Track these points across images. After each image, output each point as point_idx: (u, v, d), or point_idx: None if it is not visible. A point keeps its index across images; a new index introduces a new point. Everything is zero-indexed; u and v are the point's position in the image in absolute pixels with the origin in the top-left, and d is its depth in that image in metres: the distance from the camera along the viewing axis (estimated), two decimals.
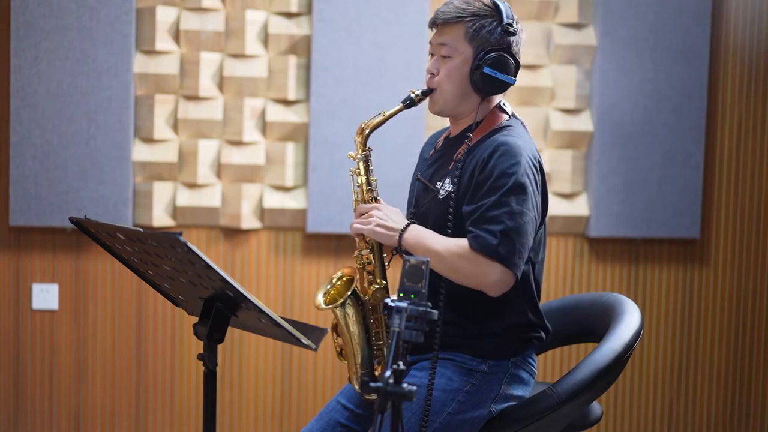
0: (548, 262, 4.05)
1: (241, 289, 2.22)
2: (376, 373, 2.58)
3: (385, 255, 2.60)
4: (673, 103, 4.03)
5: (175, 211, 3.89)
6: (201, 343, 2.36)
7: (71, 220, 2.39)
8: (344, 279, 2.60)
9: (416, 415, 2.48)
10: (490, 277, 2.40)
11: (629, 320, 2.65)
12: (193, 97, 3.88)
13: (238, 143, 3.90)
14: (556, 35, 4.00)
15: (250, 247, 3.96)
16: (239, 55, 3.88)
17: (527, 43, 3.97)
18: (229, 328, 2.39)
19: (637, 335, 2.62)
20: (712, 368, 4.19)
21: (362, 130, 2.56)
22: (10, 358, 3.89)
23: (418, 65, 3.83)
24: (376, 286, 2.56)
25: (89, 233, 2.43)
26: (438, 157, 2.64)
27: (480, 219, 2.41)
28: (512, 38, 2.53)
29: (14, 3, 3.75)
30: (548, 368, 4.09)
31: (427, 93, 2.56)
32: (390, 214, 2.51)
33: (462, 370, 2.52)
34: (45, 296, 3.88)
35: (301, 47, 3.91)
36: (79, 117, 3.80)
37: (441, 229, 2.48)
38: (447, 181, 2.53)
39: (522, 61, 3.91)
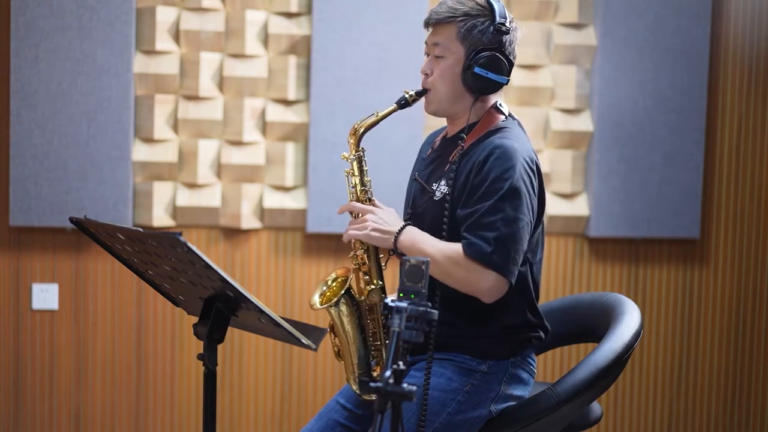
0: (548, 262, 4.05)
1: (241, 289, 2.22)
2: (374, 374, 2.58)
3: (381, 255, 2.60)
4: (673, 103, 4.03)
5: (175, 211, 3.89)
6: (201, 343, 2.36)
7: (71, 220, 2.39)
8: (339, 280, 2.60)
9: (416, 415, 2.48)
10: (484, 284, 2.40)
11: (629, 320, 2.65)
12: (193, 97, 3.88)
13: (238, 143, 3.90)
14: (556, 35, 4.00)
15: (250, 247, 3.96)
16: (239, 55, 3.88)
17: (527, 43, 3.99)
18: (229, 328, 2.39)
19: (637, 335, 2.62)
20: (712, 368, 4.19)
21: (355, 131, 2.56)
22: (10, 358, 3.89)
23: (418, 65, 3.78)
24: (372, 287, 2.56)
25: (89, 233, 2.43)
26: (435, 158, 2.64)
27: (475, 225, 2.41)
28: (505, 37, 2.53)
29: (14, 3, 3.75)
30: (548, 368, 4.09)
31: (421, 93, 2.56)
32: (385, 217, 2.51)
33: (462, 371, 2.52)
34: (45, 296, 3.88)
35: (301, 47, 3.91)
36: (79, 117, 3.80)
37: (436, 232, 2.48)
38: (442, 182, 2.53)
39: (522, 61, 3.98)
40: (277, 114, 3.91)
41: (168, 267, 2.33)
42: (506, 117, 2.59)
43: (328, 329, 2.57)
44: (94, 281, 3.90)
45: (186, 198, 3.89)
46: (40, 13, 3.75)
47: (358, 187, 2.56)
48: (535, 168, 2.50)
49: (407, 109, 2.58)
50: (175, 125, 3.89)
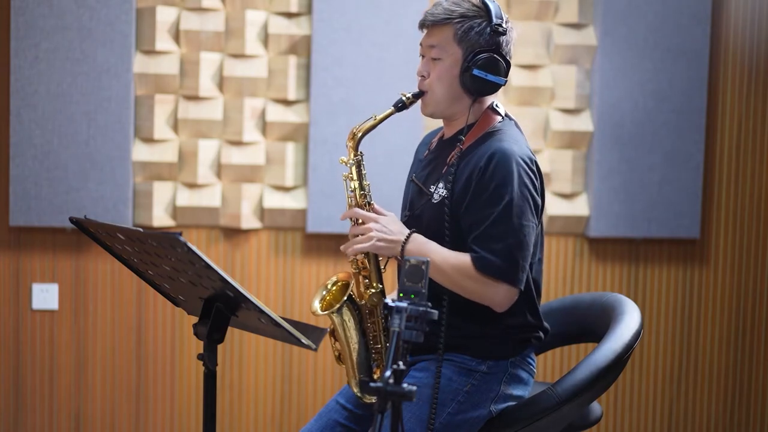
0: (548, 262, 4.05)
1: (241, 289, 2.22)
2: (375, 377, 2.58)
3: (380, 258, 2.59)
4: (673, 103, 4.03)
5: (175, 211, 3.89)
6: (201, 343, 2.36)
7: (71, 220, 2.39)
8: (339, 284, 2.60)
9: (415, 415, 2.48)
10: (497, 297, 2.44)
11: (629, 320, 2.65)
12: (193, 97, 3.88)
13: (238, 143, 3.90)
14: (556, 35, 4.00)
15: (250, 247, 3.96)
16: (239, 55, 3.88)
17: (527, 43, 3.99)
18: (229, 328, 2.39)
19: (637, 335, 2.62)
20: (712, 368, 4.19)
21: (354, 135, 2.55)
22: (10, 358, 3.89)
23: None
24: (372, 291, 2.56)
25: (89, 233, 2.43)
26: (432, 159, 2.63)
27: (482, 237, 2.42)
28: (502, 38, 2.52)
29: (14, 3, 3.75)
30: (548, 368, 4.09)
31: (418, 95, 2.55)
32: (388, 225, 2.49)
33: (461, 371, 2.53)
34: (45, 296, 3.88)
35: (301, 47, 3.91)
36: (79, 117, 3.80)
37: (435, 234, 2.49)
38: (441, 185, 2.53)
39: (522, 61, 3.98)
40: (277, 114, 3.91)
41: (168, 267, 2.33)
42: (503, 117, 2.59)
43: (328, 329, 2.57)
44: (94, 281, 3.90)
45: (186, 198, 3.89)
46: (40, 13, 3.75)
47: (357, 192, 2.55)
48: (534, 167, 2.51)
49: (400, 111, 2.57)
50: (175, 125, 3.89)
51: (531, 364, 2.61)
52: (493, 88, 2.53)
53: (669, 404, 4.19)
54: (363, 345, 2.57)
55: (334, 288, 2.60)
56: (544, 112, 4.02)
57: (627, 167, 4.02)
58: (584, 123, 4.03)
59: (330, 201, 3.87)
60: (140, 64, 3.85)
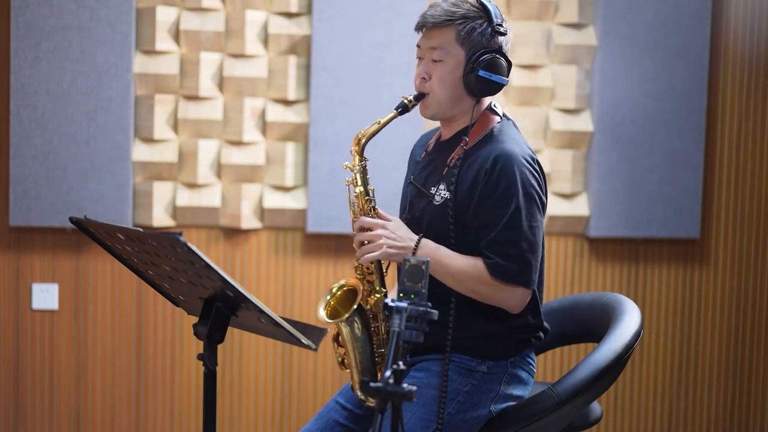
0: (548, 262, 4.05)
1: (241, 289, 2.22)
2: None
3: (382, 261, 2.58)
4: (673, 103, 4.03)
5: (175, 211, 3.89)
6: (201, 343, 2.36)
7: (71, 220, 2.39)
8: (345, 289, 2.59)
9: (416, 415, 2.48)
10: (513, 300, 2.46)
11: (629, 320, 2.65)
12: (193, 97, 3.88)
13: (238, 143, 3.90)
14: (556, 35, 4.00)
15: (250, 247, 3.96)
16: (239, 55, 3.88)
17: (527, 43, 3.99)
18: (229, 328, 2.39)
19: (637, 335, 2.62)
20: (712, 368, 4.19)
21: (358, 140, 2.54)
22: (10, 358, 3.89)
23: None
24: (377, 295, 2.55)
25: (89, 233, 2.43)
26: (431, 161, 2.63)
27: (494, 242, 2.43)
28: (502, 38, 2.52)
29: (14, 3, 3.75)
30: (548, 368, 4.09)
31: (419, 98, 2.54)
32: (396, 230, 2.48)
33: (461, 371, 2.53)
34: (45, 296, 3.88)
35: (301, 47, 3.91)
36: (79, 117, 3.80)
37: (437, 236, 2.48)
38: (442, 186, 2.52)
39: (522, 61, 3.98)
40: (277, 114, 3.91)
41: (168, 267, 2.33)
42: (501, 118, 2.59)
43: (329, 330, 2.56)
44: (94, 281, 3.90)
45: (186, 198, 3.89)
46: (40, 13, 3.75)
47: (362, 197, 2.53)
48: (537, 167, 2.51)
49: (403, 114, 2.56)
50: (175, 125, 3.89)
51: (531, 364, 2.61)
52: (497, 88, 2.53)
53: (669, 404, 4.19)
54: (369, 350, 2.56)
55: (339, 293, 2.58)
56: (544, 112, 4.02)
57: (627, 167, 4.02)
58: (584, 123, 4.03)
59: (330, 201, 3.87)
60: (140, 64, 3.85)
